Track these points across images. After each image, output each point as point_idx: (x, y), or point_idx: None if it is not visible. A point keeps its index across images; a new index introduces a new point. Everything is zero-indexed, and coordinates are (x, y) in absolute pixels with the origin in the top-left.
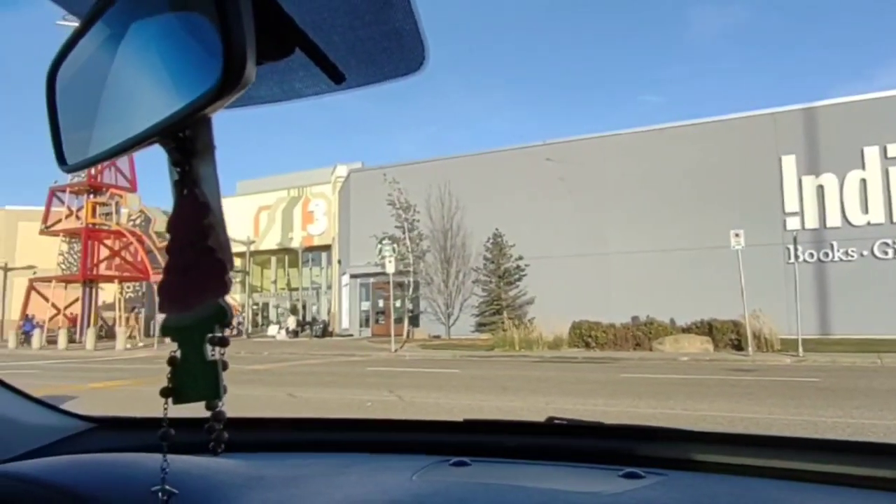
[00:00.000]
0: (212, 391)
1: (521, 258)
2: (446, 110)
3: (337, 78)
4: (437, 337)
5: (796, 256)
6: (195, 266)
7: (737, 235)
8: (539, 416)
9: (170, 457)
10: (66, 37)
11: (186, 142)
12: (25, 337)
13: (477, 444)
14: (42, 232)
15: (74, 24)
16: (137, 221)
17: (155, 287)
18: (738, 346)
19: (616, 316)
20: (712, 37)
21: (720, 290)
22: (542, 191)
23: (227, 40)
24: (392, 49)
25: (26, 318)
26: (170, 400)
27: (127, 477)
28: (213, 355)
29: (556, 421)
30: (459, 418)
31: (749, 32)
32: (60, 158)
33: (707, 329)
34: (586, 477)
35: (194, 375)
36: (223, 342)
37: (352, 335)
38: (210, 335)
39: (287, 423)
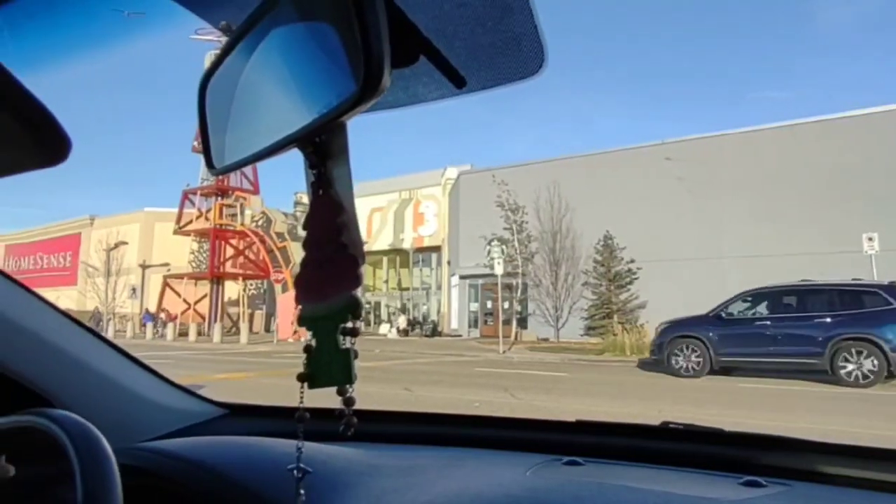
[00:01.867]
0: (344, 377)
1: (632, 261)
2: (557, 110)
3: (459, 83)
4: (546, 339)
5: None
6: (330, 261)
7: (870, 239)
8: (651, 423)
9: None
10: (213, 52)
11: (322, 146)
12: (158, 329)
13: (589, 445)
14: (175, 232)
15: (206, 37)
16: (260, 222)
17: (275, 285)
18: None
19: None
20: (842, 26)
21: None
22: (655, 192)
23: (367, 50)
24: (512, 53)
25: (146, 312)
26: (306, 384)
27: (263, 458)
28: (344, 344)
29: (672, 426)
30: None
31: (884, 19)
32: (209, 162)
33: None
34: (704, 483)
35: (328, 362)
36: (354, 332)
37: (460, 335)
38: (342, 325)
39: (401, 417)
